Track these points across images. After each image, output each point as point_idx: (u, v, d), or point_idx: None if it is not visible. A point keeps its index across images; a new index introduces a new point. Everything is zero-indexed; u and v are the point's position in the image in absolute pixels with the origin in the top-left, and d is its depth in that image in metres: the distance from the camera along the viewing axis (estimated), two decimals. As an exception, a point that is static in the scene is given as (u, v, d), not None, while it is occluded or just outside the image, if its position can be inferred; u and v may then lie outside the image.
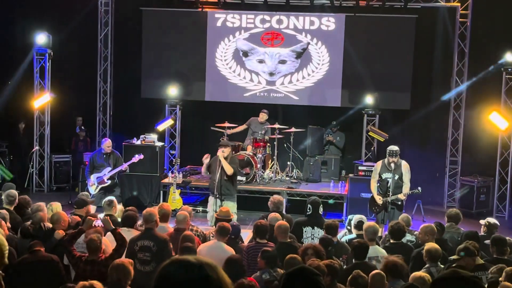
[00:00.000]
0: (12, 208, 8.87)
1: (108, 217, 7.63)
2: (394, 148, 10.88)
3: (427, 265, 6.99)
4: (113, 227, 7.24)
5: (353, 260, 7.09)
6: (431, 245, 7.18)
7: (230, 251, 7.46)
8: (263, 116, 14.52)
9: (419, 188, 10.93)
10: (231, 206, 10.47)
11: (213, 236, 8.24)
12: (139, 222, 8.30)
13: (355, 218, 8.86)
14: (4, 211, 8.15)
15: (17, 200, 9.06)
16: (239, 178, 13.52)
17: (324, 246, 7.22)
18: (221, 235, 7.65)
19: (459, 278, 2.51)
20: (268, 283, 6.42)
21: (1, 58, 15.76)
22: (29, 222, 8.10)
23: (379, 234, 9.98)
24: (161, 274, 2.09)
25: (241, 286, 5.34)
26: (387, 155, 10.87)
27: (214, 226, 9.06)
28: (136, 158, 12.48)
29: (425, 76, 15.49)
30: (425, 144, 15.50)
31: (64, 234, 7.65)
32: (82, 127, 16.46)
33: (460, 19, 14.85)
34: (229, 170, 10.71)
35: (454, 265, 6.95)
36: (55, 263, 6.75)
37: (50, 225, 7.96)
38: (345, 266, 7.16)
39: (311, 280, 2.96)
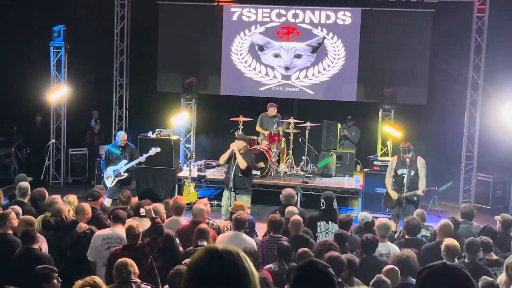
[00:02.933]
0: (26, 200, 8.91)
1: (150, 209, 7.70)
2: (406, 144, 10.89)
3: (443, 261, 6.95)
4: (154, 216, 7.35)
5: (363, 255, 7.09)
6: (450, 240, 7.15)
7: (250, 241, 7.51)
8: (271, 111, 14.43)
9: (435, 186, 10.89)
10: (245, 201, 10.46)
11: (227, 230, 8.28)
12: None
13: (362, 217, 8.79)
14: (17, 207, 8.14)
15: (29, 192, 9.09)
16: (254, 172, 13.55)
17: (340, 242, 7.25)
18: (239, 226, 7.66)
19: (443, 268, 2.53)
20: (275, 275, 6.45)
21: (18, 52, 15.85)
22: (49, 214, 8.16)
23: (394, 229, 9.98)
24: (192, 264, 2.11)
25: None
26: (400, 152, 10.85)
27: (229, 220, 9.10)
28: (153, 151, 12.53)
29: (442, 71, 15.40)
30: (441, 139, 15.42)
31: (87, 227, 7.75)
32: (98, 121, 16.55)
33: (477, 14, 14.74)
34: (242, 164, 10.70)
35: (465, 260, 6.94)
36: (50, 262, 6.74)
37: (71, 218, 8.06)
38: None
39: (322, 273, 2.97)
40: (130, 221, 7.23)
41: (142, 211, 7.65)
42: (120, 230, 7.44)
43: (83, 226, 7.76)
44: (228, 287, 2.04)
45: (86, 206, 8.17)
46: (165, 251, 7.37)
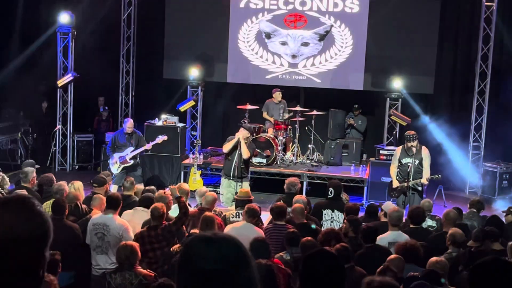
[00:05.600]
0: (30, 186, 8.93)
1: (176, 186, 8.01)
2: (411, 132, 10.91)
3: (449, 250, 6.95)
4: (179, 195, 7.56)
5: (364, 245, 7.08)
6: (455, 229, 7.15)
7: (260, 232, 7.51)
8: (277, 96, 14.39)
9: (439, 174, 10.90)
10: (247, 186, 10.85)
11: (233, 217, 8.28)
12: None
13: (387, 207, 8.71)
14: (23, 191, 8.20)
15: (33, 177, 9.08)
16: (260, 160, 13.57)
17: (355, 227, 7.31)
18: (250, 216, 7.65)
19: (501, 264, 2.47)
20: (287, 264, 6.44)
21: (25, 38, 15.84)
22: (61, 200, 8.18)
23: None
24: (184, 251, 2.09)
25: (258, 265, 5.36)
26: (405, 140, 10.85)
27: (234, 208, 9.08)
28: (160, 138, 12.54)
29: (450, 60, 15.30)
30: (448, 129, 15.35)
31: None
32: (106, 107, 16.54)
33: (486, 3, 14.61)
34: (246, 153, 10.94)
35: (472, 249, 6.92)
36: (77, 230, 7.27)
37: (85, 206, 8.08)
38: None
39: (332, 263, 2.96)
40: (154, 204, 7.33)
41: (167, 190, 7.91)
42: (111, 217, 7.44)
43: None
44: (224, 276, 2.00)
45: (102, 198, 8.23)
46: (172, 238, 7.34)
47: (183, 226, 7.39)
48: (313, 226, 7.77)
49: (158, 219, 7.05)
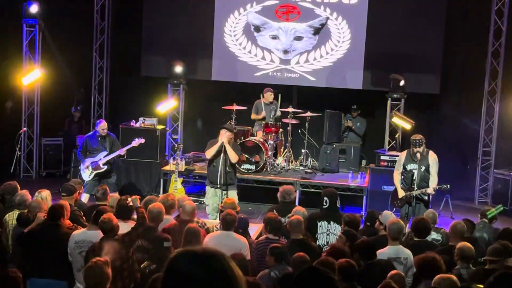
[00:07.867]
0: None
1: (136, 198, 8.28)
2: (418, 137, 10.79)
3: (457, 266, 6.94)
4: (139, 205, 7.89)
5: (362, 262, 7.05)
6: (464, 243, 7.13)
7: (242, 240, 7.58)
8: (268, 97, 14.40)
9: (448, 184, 10.86)
10: (234, 195, 10.83)
11: (217, 229, 8.23)
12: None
13: (385, 217, 8.68)
14: None
15: None
16: (248, 167, 13.54)
17: (350, 240, 7.31)
18: (227, 227, 7.68)
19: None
20: (276, 281, 6.41)
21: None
22: (26, 211, 8.11)
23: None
24: (169, 267, 2.19)
25: (247, 283, 5.33)
26: (411, 145, 10.80)
27: (217, 219, 9.07)
28: (136, 142, 12.48)
29: (457, 57, 15.32)
30: (455, 132, 15.38)
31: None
32: (78, 107, 16.42)
33: (497, -6, 14.69)
34: (234, 157, 10.89)
35: (486, 266, 6.91)
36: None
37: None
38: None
39: (324, 279, 2.96)
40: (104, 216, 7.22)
41: (129, 201, 7.99)
42: (96, 232, 7.34)
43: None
44: None
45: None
46: (156, 256, 7.19)
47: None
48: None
49: (110, 231, 7.00)
